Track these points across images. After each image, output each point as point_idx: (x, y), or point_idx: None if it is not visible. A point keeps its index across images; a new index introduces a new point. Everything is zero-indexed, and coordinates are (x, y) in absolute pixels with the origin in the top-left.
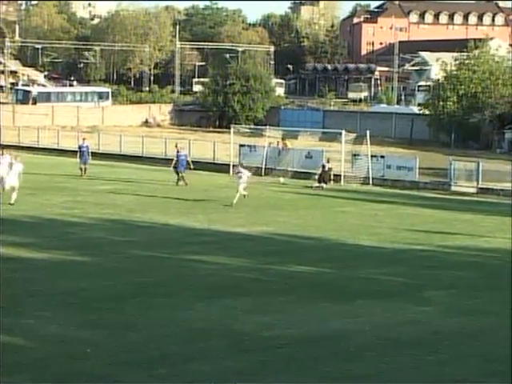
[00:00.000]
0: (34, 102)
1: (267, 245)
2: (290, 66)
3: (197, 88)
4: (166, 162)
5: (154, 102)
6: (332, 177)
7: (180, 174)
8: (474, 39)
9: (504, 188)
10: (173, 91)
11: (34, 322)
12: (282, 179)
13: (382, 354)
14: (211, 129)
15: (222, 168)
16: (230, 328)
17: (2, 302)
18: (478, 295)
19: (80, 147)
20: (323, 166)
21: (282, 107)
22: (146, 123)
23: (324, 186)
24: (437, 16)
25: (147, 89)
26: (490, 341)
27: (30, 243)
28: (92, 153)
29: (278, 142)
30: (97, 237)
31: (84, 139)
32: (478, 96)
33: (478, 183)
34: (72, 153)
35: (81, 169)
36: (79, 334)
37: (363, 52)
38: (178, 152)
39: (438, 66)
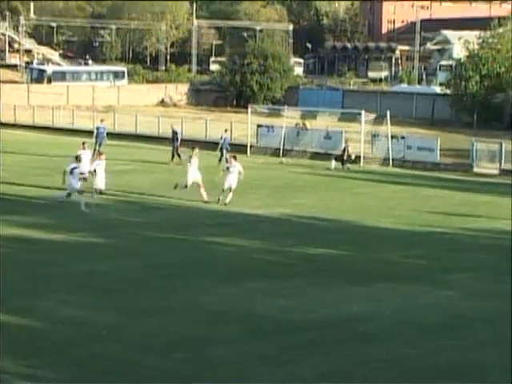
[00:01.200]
0: (49, 81)
1: (286, 227)
2: (308, 45)
3: (214, 67)
4: (182, 142)
5: (170, 82)
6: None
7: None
8: (498, 17)
9: None
10: (189, 70)
11: (53, 304)
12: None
13: (403, 338)
14: (228, 109)
15: (239, 149)
16: (250, 311)
17: (19, 284)
18: (500, 279)
19: (97, 128)
20: (345, 149)
21: (301, 87)
22: (163, 103)
23: (349, 166)
24: None
25: (163, 68)
26: None
27: (45, 224)
28: (107, 133)
29: (302, 122)
30: (113, 218)
31: (102, 120)
32: (502, 76)
33: (500, 165)
34: (88, 133)
35: (95, 150)
36: (98, 318)
37: (384, 30)
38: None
39: (460, 44)
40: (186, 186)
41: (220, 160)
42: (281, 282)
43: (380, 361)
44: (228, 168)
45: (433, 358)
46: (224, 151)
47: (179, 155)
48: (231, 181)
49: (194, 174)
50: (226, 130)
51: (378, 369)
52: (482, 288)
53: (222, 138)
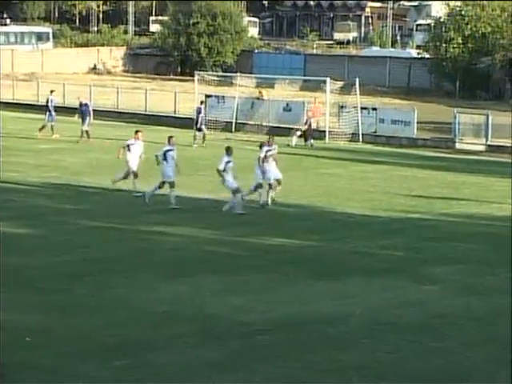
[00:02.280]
0: None
1: (241, 214)
2: (265, 2)
3: (154, 28)
4: (118, 115)
5: (103, 45)
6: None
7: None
8: None
9: None
10: (126, 32)
11: None
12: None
13: (379, 340)
14: (172, 76)
15: (185, 123)
16: (200, 311)
17: None
18: (489, 271)
19: (47, 101)
20: (307, 122)
21: (256, 51)
22: (95, 70)
23: (312, 143)
24: None
25: (95, 29)
26: (504, 324)
27: None
28: (29, 105)
29: (258, 91)
30: (40, 205)
31: (52, 91)
32: (488, 37)
33: (486, 140)
34: (6, 105)
35: (43, 126)
36: (24, 320)
37: None
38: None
39: (440, 0)
40: (135, 175)
41: (195, 137)
42: (235, 278)
43: (352, 367)
44: (266, 155)
45: (412, 363)
46: (203, 127)
47: (87, 132)
48: (276, 171)
49: (135, 162)
50: (201, 102)
51: (350, 376)
52: (469, 282)
53: (197, 112)
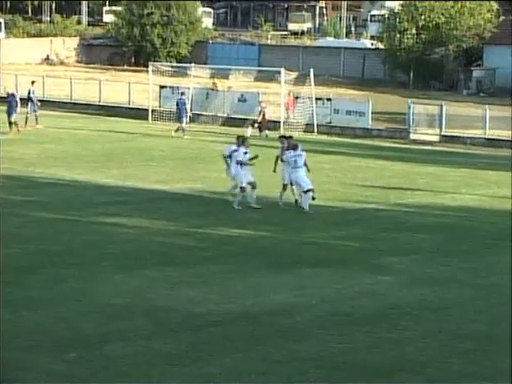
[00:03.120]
0: None
1: (196, 205)
2: None
3: (108, 18)
4: (71, 106)
5: (56, 35)
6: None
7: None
8: None
9: (472, 136)
10: (79, 22)
11: None
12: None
13: (334, 331)
14: (126, 67)
15: (140, 114)
16: (155, 304)
17: None
18: (444, 262)
19: (29, 92)
20: (261, 112)
21: (210, 41)
22: (47, 60)
23: (267, 133)
24: None
25: (48, 19)
26: (458, 315)
27: None
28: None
29: (212, 82)
30: None
31: (33, 82)
32: (441, 27)
33: (441, 130)
34: None
35: (26, 118)
36: None
37: None
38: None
39: None
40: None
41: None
42: (190, 270)
43: (306, 358)
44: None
45: (367, 354)
46: (184, 118)
47: (16, 124)
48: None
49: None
50: (182, 94)
51: (304, 368)
52: (424, 273)
53: (182, 103)
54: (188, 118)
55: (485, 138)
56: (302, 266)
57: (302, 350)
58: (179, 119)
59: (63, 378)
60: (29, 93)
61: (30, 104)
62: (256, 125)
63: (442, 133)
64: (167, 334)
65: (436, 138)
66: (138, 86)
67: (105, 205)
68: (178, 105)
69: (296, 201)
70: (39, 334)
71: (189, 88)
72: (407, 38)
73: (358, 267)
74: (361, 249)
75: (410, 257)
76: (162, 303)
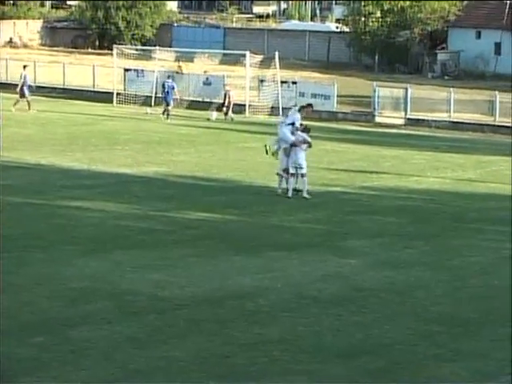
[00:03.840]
0: None
1: (161, 188)
2: None
3: (72, 1)
4: (35, 89)
5: (19, 18)
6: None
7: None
8: None
9: (437, 119)
10: (42, 5)
11: None
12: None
13: (300, 314)
14: (90, 50)
15: (104, 97)
16: (119, 287)
17: None
18: (409, 244)
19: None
20: (226, 95)
21: (175, 24)
22: (11, 43)
23: (232, 117)
24: None
25: (11, 1)
26: (423, 298)
27: None
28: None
29: (177, 65)
30: None
31: (25, 66)
32: (406, 11)
33: (406, 113)
34: None
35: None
36: None
37: None
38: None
39: None
40: None
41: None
42: (155, 253)
43: (272, 342)
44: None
45: (333, 337)
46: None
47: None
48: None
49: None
50: (168, 77)
51: (269, 351)
52: (389, 256)
53: (167, 85)
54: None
55: (449, 121)
56: (268, 249)
57: (267, 333)
58: (166, 102)
59: (30, 362)
60: (21, 77)
61: (25, 88)
62: (222, 108)
63: (407, 116)
64: (132, 317)
65: (401, 121)
66: (103, 69)
67: (69, 188)
68: (164, 87)
69: (295, 189)
70: (5, 319)
71: (153, 71)
72: (372, 22)
73: (324, 250)
74: (327, 232)
75: (375, 240)
76: (127, 287)
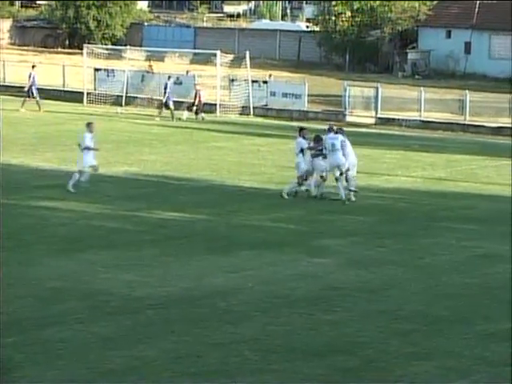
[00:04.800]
0: None
1: (132, 188)
2: None
3: (42, 0)
4: (5, 89)
5: None
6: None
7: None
8: None
9: (407, 118)
10: (12, 4)
11: None
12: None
13: (272, 313)
14: (60, 49)
15: (74, 96)
16: (92, 287)
17: None
18: (381, 243)
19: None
20: (197, 94)
21: (146, 24)
22: None
23: (203, 116)
24: None
25: None
26: (396, 296)
27: None
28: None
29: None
30: None
31: (34, 66)
32: (376, 10)
33: (376, 112)
34: None
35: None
36: None
37: None
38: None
39: None
40: None
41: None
42: (127, 253)
43: (243, 341)
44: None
45: (305, 336)
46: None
47: None
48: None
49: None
50: (169, 78)
51: (242, 350)
52: (362, 254)
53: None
54: (171, 103)
55: (420, 120)
56: (240, 248)
57: (240, 332)
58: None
59: (3, 362)
60: (30, 77)
61: (33, 88)
62: (193, 108)
63: (378, 115)
64: (105, 317)
65: (372, 121)
66: (73, 69)
67: (40, 188)
68: (165, 88)
69: (307, 190)
70: None
71: (124, 71)
72: (342, 21)
73: (296, 249)
74: (298, 231)
75: (347, 239)
76: (100, 287)
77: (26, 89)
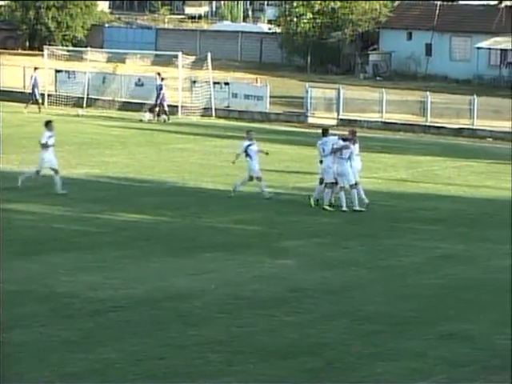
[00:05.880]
0: None
1: (93, 190)
2: None
3: (1, 1)
4: None
5: None
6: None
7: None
8: None
9: (369, 119)
10: None
11: None
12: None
13: (235, 315)
14: (20, 51)
15: None
16: (54, 290)
17: None
18: (344, 244)
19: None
20: (158, 97)
21: (107, 25)
22: None
23: (166, 118)
24: None
25: None
26: (359, 297)
27: None
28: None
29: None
30: None
31: (36, 68)
32: (337, 12)
33: (338, 114)
34: None
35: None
36: None
37: None
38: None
39: None
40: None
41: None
42: (90, 255)
43: (207, 343)
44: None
45: (268, 338)
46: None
47: None
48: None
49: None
50: (162, 79)
51: (205, 352)
52: (325, 256)
53: (159, 88)
54: (165, 103)
55: (381, 122)
56: (203, 250)
57: (202, 334)
58: (161, 104)
59: None
60: (31, 79)
61: (35, 89)
62: (155, 109)
63: (340, 116)
64: (66, 320)
65: (333, 122)
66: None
67: (2, 191)
68: (157, 89)
69: (317, 200)
70: None
71: (85, 72)
72: (304, 23)
73: (259, 251)
74: (261, 233)
75: (310, 240)
76: (61, 289)
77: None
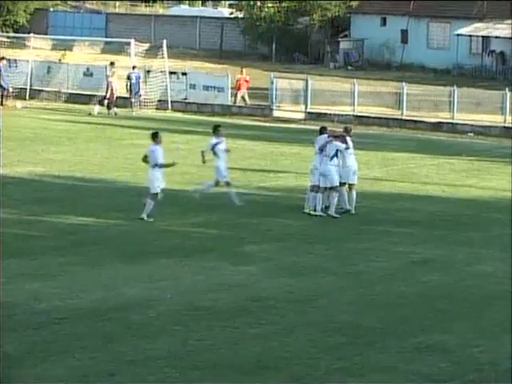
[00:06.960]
0: None
1: (37, 190)
2: None
3: None
4: None
5: None
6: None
7: None
8: None
9: (340, 112)
10: None
11: None
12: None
13: (192, 327)
14: None
15: None
16: None
17: None
18: (310, 249)
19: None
20: (108, 87)
21: (51, 9)
22: None
23: (116, 111)
24: None
25: None
26: (326, 307)
27: None
28: None
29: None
30: None
31: (3, 58)
32: None
33: (306, 107)
34: None
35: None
36: None
37: None
38: None
39: None
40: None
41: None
42: (32, 262)
43: (161, 357)
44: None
45: (228, 351)
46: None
47: None
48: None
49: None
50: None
51: (159, 367)
52: (289, 261)
53: (135, 76)
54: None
55: (353, 115)
56: (157, 256)
57: (157, 347)
58: (135, 94)
59: None
60: None
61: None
62: (105, 101)
63: (308, 109)
64: (6, 333)
65: (301, 116)
66: None
67: None
68: (130, 79)
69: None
70: None
71: (27, 61)
72: (268, 7)
73: (219, 256)
74: (221, 236)
75: (273, 244)
76: (3, 299)
77: None
